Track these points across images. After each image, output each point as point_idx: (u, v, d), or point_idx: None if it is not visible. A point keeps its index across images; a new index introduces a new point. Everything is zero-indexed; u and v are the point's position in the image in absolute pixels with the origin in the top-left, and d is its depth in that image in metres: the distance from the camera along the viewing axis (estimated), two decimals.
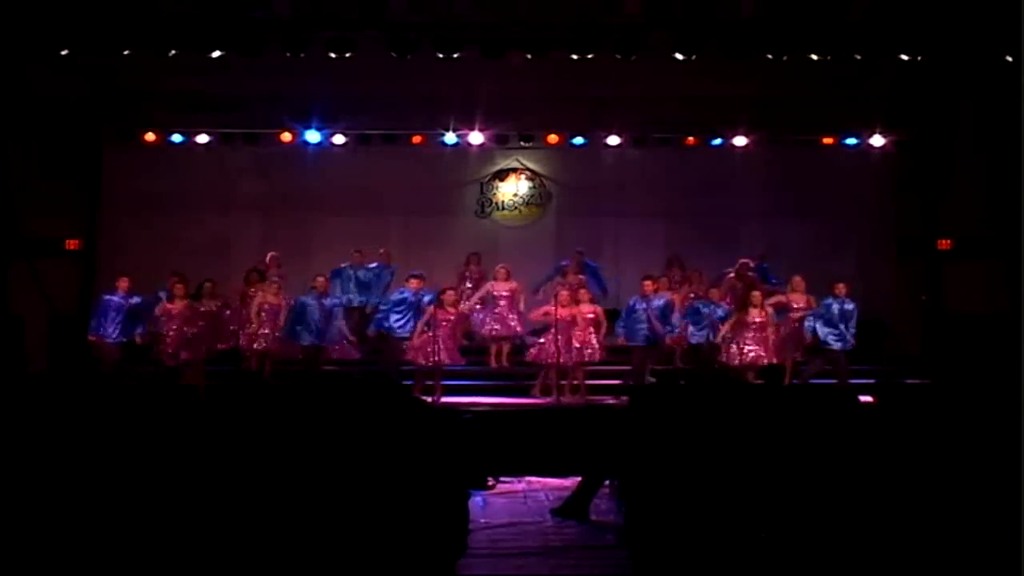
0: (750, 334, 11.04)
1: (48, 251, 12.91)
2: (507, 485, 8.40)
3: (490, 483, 8.25)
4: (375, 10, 11.41)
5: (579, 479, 7.58)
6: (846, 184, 13.78)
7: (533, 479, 8.59)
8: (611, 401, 10.74)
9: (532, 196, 14.76)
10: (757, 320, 11.06)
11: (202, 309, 11.24)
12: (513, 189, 14.79)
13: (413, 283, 11.31)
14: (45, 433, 4.89)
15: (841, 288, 11.22)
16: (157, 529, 4.41)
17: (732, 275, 12.20)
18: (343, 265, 12.79)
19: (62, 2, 11.34)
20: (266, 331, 11.20)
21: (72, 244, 13.12)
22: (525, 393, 11.25)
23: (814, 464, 4.97)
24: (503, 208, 14.77)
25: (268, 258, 12.38)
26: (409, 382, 10.51)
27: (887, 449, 5.05)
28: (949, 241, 13.57)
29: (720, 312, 11.29)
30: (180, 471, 4.60)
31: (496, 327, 11.86)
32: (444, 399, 10.75)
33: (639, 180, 14.09)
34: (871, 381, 10.59)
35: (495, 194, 14.77)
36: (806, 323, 11.21)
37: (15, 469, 4.57)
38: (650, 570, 5.13)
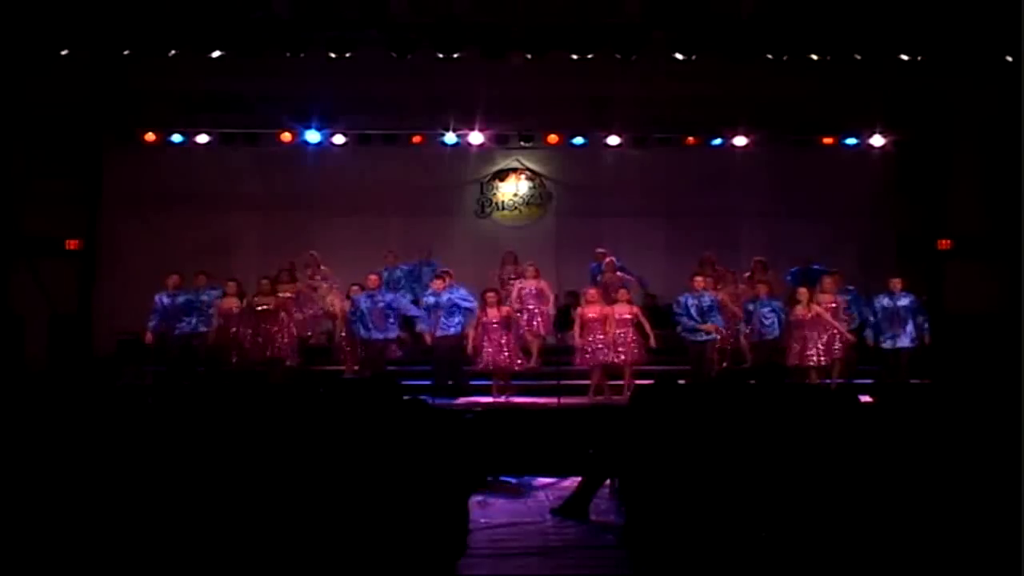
0: (796, 332, 11.01)
1: (48, 251, 12.89)
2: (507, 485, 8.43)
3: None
4: (375, 10, 11.42)
5: (579, 479, 7.60)
6: (846, 184, 13.77)
7: (533, 479, 8.61)
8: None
9: (532, 196, 14.76)
10: (804, 318, 11.01)
11: (259, 308, 11.26)
12: (513, 189, 14.78)
13: (437, 283, 11.32)
14: (45, 431, 4.89)
15: (896, 284, 11.16)
16: (159, 528, 4.41)
17: (748, 275, 12.20)
18: (383, 270, 12.71)
19: (62, 2, 11.34)
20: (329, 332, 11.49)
21: (72, 244, 13.10)
22: (530, 393, 11.19)
23: (814, 463, 4.97)
24: (503, 208, 14.77)
25: (308, 256, 12.30)
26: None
27: (887, 448, 5.05)
28: (949, 241, 13.55)
29: (766, 308, 11.29)
30: (182, 471, 4.60)
31: (527, 325, 11.81)
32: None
33: (639, 180, 14.08)
34: (869, 381, 10.64)
35: (495, 194, 14.77)
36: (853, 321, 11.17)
37: (15, 467, 4.58)
38: (650, 570, 5.13)
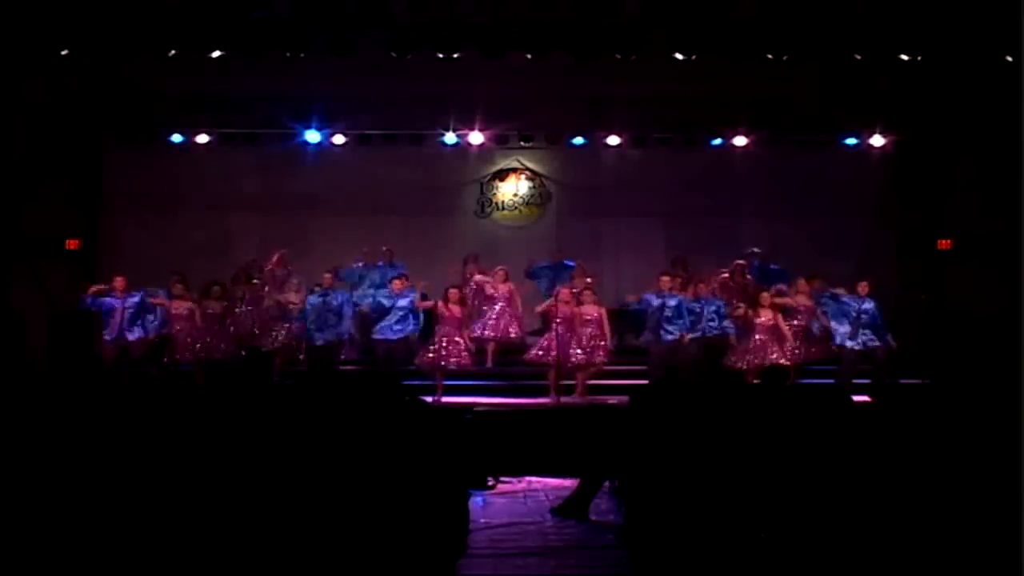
0: (758, 335, 11.03)
1: (48, 251, 12.89)
2: (507, 485, 8.43)
3: (490, 483, 8.26)
4: (375, 10, 11.41)
5: (579, 479, 7.59)
6: (846, 184, 13.77)
7: (533, 479, 8.61)
8: (612, 401, 10.66)
9: (532, 196, 14.76)
10: (766, 321, 11.04)
11: (209, 311, 11.29)
12: (513, 189, 14.78)
13: (397, 284, 11.32)
14: (46, 431, 4.89)
15: (863, 287, 11.26)
16: (160, 527, 4.41)
17: (726, 275, 12.22)
18: (355, 265, 12.72)
19: (62, 2, 11.34)
20: (282, 331, 11.33)
21: (72, 244, 13.11)
22: (525, 393, 11.20)
23: (814, 464, 4.97)
24: (503, 208, 14.77)
25: (276, 257, 12.31)
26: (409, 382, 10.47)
27: (886, 449, 5.05)
28: (949, 241, 13.56)
29: (711, 308, 11.27)
30: (181, 471, 4.60)
31: (492, 329, 11.82)
32: (444, 399, 10.74)
33: (639, 180, 14.08)
34: (866, 381, 10.67)
35: (495, 194, 14.76)
36: (816, 322, 11.29)
37: (16, 467, 4.58)
38: (650, 570, 5.13)
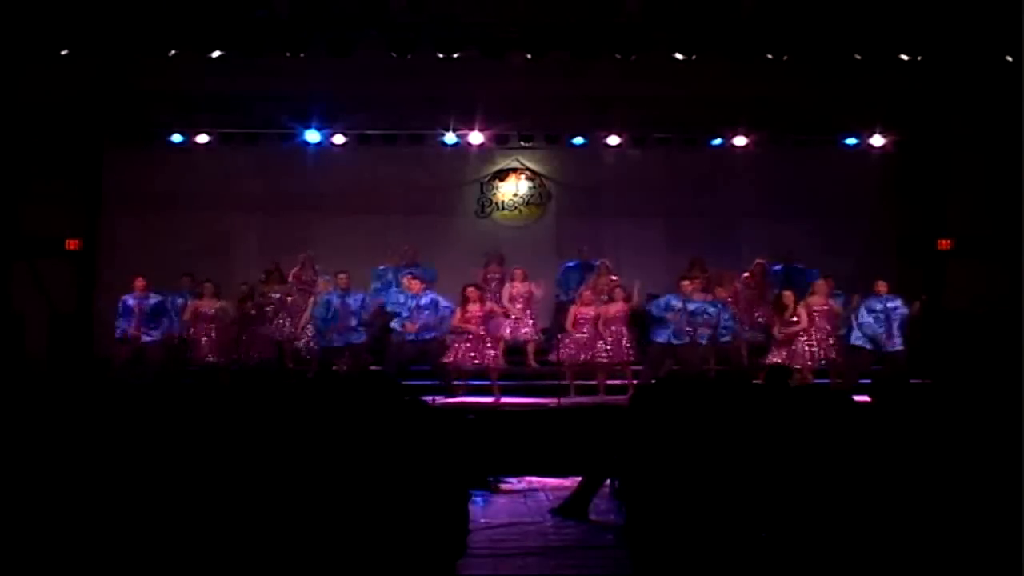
0: (802, 336, 10.96)
1: (48, 251, 12.90)
2: (507, 485, 8.44)
3: (491, 483, 8.27)
4: (375, 10, 11.41)
5: (579, 479, 7.60)
6: (846, 184, 13.78)
7: (533, 479, 8.62)
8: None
9: (532, 196, 14.75)
10: (791, 321, 10.99)
11: (252, 312, 11.37)
12: (513, 189, 14.77)
13: (416, 284, 11.30)
14: (46, 431, 4.89)
15: (882, 286, 11.17)
16: (159, 528, 4.41)
17: (747, 276, 12.19)
18: (381, 267, 12.72)
19: (62, 2, 11.34)
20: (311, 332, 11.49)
21: (72, 244, 13.11)
22: (529, 393, 11.21)
23: (815, 464, 4.97)
24: (503, 208, 14.76)
25: (302, 258, 12.34)
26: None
27: (886, 448, 5.05)
28: (949, 241, 13.57)
29: (726, 314, 11.21)
30: (180, 470, 4.60)
31: (510, 329, 11.80)
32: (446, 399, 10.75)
33: (639, 180, 14.08)
34: (867, 381, 10.65)
35: (495, 194, 14.76)
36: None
37: (16, 467, 4.58)
38: (650, 570, 5.13)
